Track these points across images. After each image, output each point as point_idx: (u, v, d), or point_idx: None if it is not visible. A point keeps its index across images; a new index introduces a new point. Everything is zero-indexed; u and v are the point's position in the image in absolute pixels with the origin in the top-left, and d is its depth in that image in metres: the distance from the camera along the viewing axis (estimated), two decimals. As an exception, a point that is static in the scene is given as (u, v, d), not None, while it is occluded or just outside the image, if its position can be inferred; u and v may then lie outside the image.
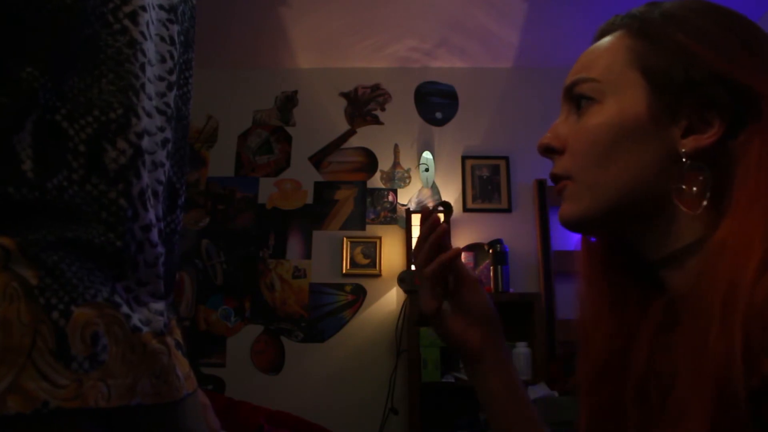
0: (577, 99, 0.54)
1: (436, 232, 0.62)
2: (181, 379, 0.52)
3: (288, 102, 2.80)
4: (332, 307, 2.49)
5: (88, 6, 0.46)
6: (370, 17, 2.45)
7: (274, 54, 2.72)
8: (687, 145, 0.48)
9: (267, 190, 2.66)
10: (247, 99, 2.79)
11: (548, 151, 0.56)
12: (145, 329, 0.48)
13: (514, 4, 2.34)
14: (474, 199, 2.61)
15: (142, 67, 0.51)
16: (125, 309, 0.46)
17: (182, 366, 0.54)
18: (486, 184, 2.63)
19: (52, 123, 0.43)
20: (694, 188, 0.47)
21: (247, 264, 2.55)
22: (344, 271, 2.51)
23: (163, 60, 0.56)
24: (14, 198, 0.40)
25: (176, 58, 0.58)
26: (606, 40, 0.55)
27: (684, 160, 0.48)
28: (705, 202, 0.46)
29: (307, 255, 2.56)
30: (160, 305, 0.53)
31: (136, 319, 0.47)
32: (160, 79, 0.56)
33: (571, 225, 0.55)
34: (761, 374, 0.37)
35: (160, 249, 0.52)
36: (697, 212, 0.47)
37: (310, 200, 2.64)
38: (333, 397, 2.36)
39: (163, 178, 0.54)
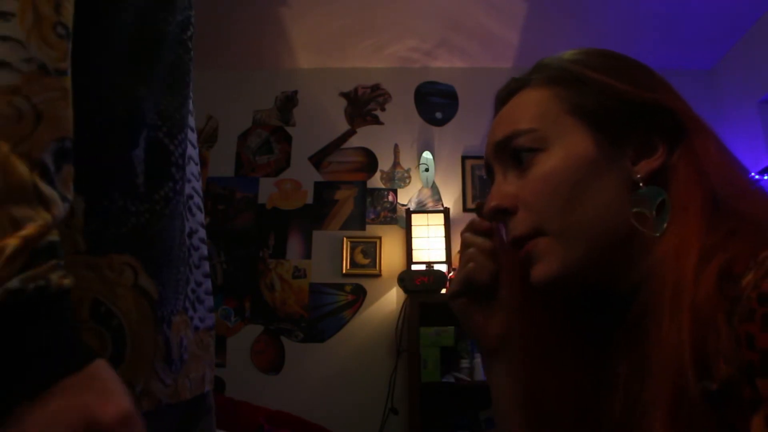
0: (514, 153, 0.53)
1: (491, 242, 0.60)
2: (214, 366, 0.60)
3: (288, 102, 2.80)
4: (332, 307, 2.49)
5: (173, 33, 0.51)
6: (370, 17, 2.45)
7: (274, 54, 2.72)
8: (640, 170, 0.50)
9: (267, 190, 2.66)
10: (247, 99, 2.79)
11: (500, 214, 0.54)
12: (201, 326, 0.55)
13: (514, 4, 2.34)
14: (474, 199, 2.61)
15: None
16: (190, 312, 0.53)
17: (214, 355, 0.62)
18: (486, 184, 2.63)
19: (156, 140, 0.48)
20: (654, 212, 0.48)
21: (247, 264, 2.55)
22: (344, 271, 2.51)
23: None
24: (131, 210, 0.45)
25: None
26: (522, 95, 0.55)
27: (641, 185, 0.49)
28: (665, 225, 0.48)
29: (307, 255, 2.56)
30: (212, 302, 0.59)
31: (196, 319, 0.54)
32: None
33: (551, 284, 0.51)
34: (719, 379, 0.38)
35: (203, 252, 0.59)
36: (659, 233, 0.48)
37: (310, 200, 2.64)
38: (333, 397, 2.36)
39: (194, 194, 0.60)
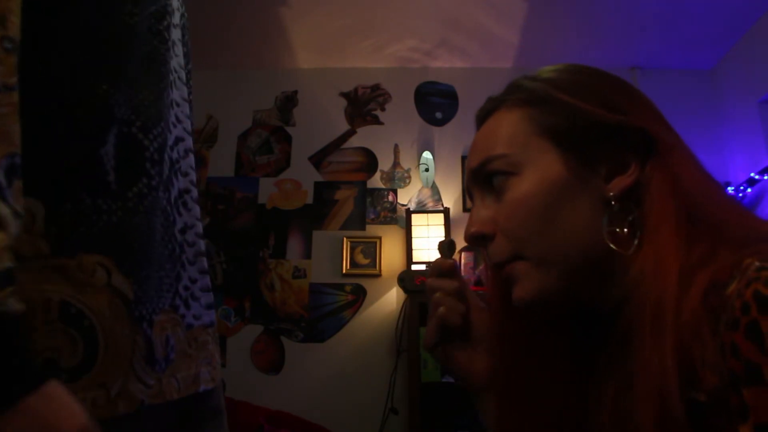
0: (489, 179, 0.54)
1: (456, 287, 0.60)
2: (219, 364, 0.59)
3: (288, 102, 2.80)
4: (332, 307, 2.49)
5: (144, 25, 0.50)
6: (370, 17, 2.45)
7: (274, 54, 2.72)
8: (613, 188, 0.50)
9: (267, 190, 2.66)
10: (247, 99, 2.79)
11: (480, 239, 0.54)
12: (196, 324, 0.54)
13: (514, 4, 2.34)
14: (474, 199, 2.61)
15: (171, 85, 0.55)
16: (182, 310, 0.52)
17: (217, 353, 0.61)
18: (486, 184, 2.63)
19: (129, 135, 0.47)
20: (626, 230, 0.49)
21: (247, 264, 2.55)
22: (344, 271, 2.50)
23: (182, 67, 0.62)
24: (102, 208, 0.44)
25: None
26: (497, 117, 0.56)
27: (613, 203, 0.49)
28: (636, 242, 0.48)
29: (307, 255, 2.56)
30: (210, 298, 0.58)
31: (190, 317, 0.53)
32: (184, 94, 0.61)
33: (533, 303, 0.52)
34: (707, 390, 0.38)
35: (200, 247, 0.58)
36: (629, 252, 0.48)
37: (310, 200, 2.64)
38: (333, 397, 2.36)
39: (191, 187, 0.59)
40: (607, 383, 0.51)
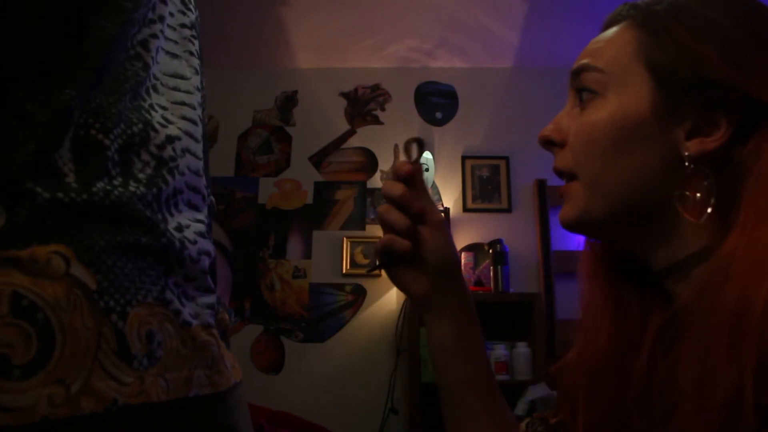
0: (581, 89, 0.52)
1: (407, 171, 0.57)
2: (229, 369, 0.56)
3: (288, 102, 2.80)
4: (332, 307, 2.49)
5: (110, 33, 0.49)
6: (370, 17, 2.45)
7: (274, 54, 2.72)
8: (691, 148, 0.45)
9: (267, 190, 2.66)
10: (247, 99, 2.79)
11: (549, 144, 0.54)
12: (195, 322, 0.51)
13: (514, 4, 2.34)
14: (474, 199, 2.61)
15: (148, 91, 0.54)
16: (176, 305, 0.49)
17: (228, 356, 0.57)
18: (486, 184, 2.63)
19: (88, 137, 0.45)
20: (698, 194, 0.44)
21: (247, 264, 2.55)
22: (344, 271, 2.50)
23: (196, 72, 0.62)
24: (64, 201, 0.42)
25: (201, 69, 0.64)
26: (613, 29, 0.53)
27: (687, 164, 0.45)
28: (709, 210, 0.44)
29: (307, 255, 2.56)
30: (209, 299, 0.56)
31: (186, 314, 0.50)
32: (198, 89, 0.61)
33: (571, 226, 0.53)
34: None
35: (203, 246, 0.56)
36: (701, 221, 0.44)
37: (310, 200, 2.64)
38: (333, 397, 2.36)
39: (185, 189, 0.58)
40: (648, 338, 0.50)
